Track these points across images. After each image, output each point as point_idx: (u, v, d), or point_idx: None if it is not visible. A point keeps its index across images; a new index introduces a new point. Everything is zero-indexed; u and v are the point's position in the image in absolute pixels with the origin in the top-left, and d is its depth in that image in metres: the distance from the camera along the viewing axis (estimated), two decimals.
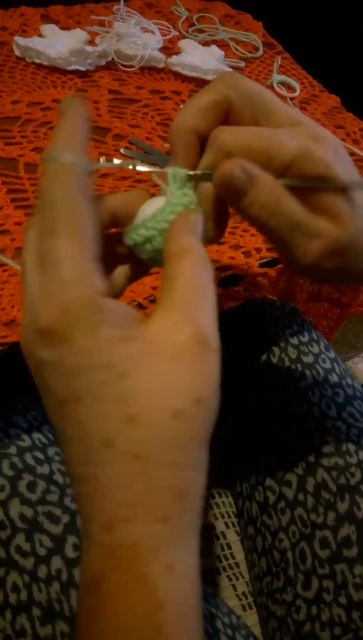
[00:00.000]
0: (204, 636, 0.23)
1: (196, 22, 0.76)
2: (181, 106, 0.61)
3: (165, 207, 0.25)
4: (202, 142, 0.27)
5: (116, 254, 0.28)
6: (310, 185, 0.26)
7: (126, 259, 0.29)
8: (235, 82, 0.27)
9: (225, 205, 0.28)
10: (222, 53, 0.69)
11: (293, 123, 0.27)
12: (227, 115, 0.27)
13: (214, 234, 0.28)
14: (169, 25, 0.72)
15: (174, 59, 0.65)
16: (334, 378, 0.47)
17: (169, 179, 0.26)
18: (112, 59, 0.65)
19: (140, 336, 0.21)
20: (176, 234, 0.24)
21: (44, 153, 0.23)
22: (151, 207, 0.26)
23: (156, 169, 0.27)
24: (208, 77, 0.66)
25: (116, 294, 0.29)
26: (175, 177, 0.26)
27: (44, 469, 0.39)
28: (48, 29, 0.64)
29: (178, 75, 0.66)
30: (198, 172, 0.26)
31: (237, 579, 0.47)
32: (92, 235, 0.22)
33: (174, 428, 0.20)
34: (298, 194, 0.26)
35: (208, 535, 0.49)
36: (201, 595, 0.22)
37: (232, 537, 0.49)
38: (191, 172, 0.26)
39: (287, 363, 0.48)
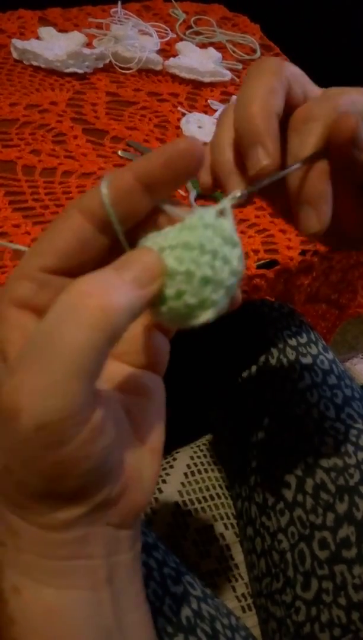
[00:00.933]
0: None
1: (193, 25, 0.76)
2: (184, 114, 0.61)
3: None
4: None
5: None
6: None
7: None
8: (283, 62, 0.25)
9: (331, 189, 0.24)
10: (219, 55, 0.69)
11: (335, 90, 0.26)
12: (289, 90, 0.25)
13: (327, 220, 0.24)
14: (167, 28, 0.72)
15: (171, 61, 0.66)
16: (333, 379, 0.47)
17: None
18: (110, 61, 0.65)
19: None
20: (70, 287, 0.18)
21: (104, 176, 0.20)
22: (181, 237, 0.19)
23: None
24: (206, 80, 0.66)
25: None
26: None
27: None
28: (46, 31, 0.65)
29: (175, 78, 0.66)
30: (309, 155, 0.23)
31: (236, 580, 0.47)
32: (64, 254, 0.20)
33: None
34: None
35: (207, 537, 0.49)
36: (83, 631, 0.21)
37: (231, 538, 0.49)
38: (305, 157, 0.23)
39: (285, 364, 0.48)
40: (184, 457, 0.53)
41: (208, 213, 0.20)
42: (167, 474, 0.52)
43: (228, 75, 0.67)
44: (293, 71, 0.26)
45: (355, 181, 0.26)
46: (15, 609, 0.21)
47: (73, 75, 0.63)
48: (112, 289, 0.18)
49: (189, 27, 0.75)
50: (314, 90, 0.27)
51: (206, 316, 0.19)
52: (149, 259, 0.19)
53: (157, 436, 0.23)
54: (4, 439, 0.18)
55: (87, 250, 0.21)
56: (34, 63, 0.62)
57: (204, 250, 0.19)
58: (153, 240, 0.20)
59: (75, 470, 0.19)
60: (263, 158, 0.23)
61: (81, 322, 0.17)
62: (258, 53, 0.74)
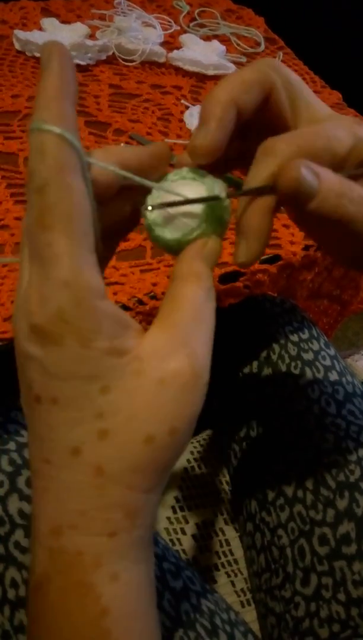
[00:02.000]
0: (156, 633, 0.23)
1: (197, 17, 0.75)
2: (188, 107, 0.61)
3: (202, 215, 0.23)
4: (238, 120, 0.25)
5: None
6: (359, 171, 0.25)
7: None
8: (277, 66, 0.25)
9: (271, 224, 0.25)
10: (223, 48, 0.68)
11: (330, 114, 0.26)
12: (266, 98, 0.26)
13: (256, 255, 0.25)
14: (171, 20, 0.72)
15: (175, 53, 0.65)
16: (334, 375, 0.47)
17: (213, 188, 0.24)
18: (113, 53, 0.64)
19: (132, 352, 0.20)
20: (190, 257, 0.23)
21: (29, 124, 0.19)
22: (183, 192, 0.23)
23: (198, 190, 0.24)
24: (209, 72, 0.65)
25: (104, 260, 0.26)
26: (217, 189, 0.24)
27: None
28: (48, 22, 0.64)
29: (178, 70, 0.66)
30: (254, 187, 0.24)
31: (236, 575, 0.47)
32: (90, 226, 0.20)
33: (142, 453, 0.20)
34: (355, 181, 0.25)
35: (206, 532, 0.49)
36: (152, 597, 0.23)
37: (231, 533, 0.49)
38: (250, 188, 0.24)
39: (287, 360, 0.48)
40: (184, 452, 0.53)
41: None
42: None
43: (232, 68, 0.66)
44: (288, 77, 0.26)
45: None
46: (111, 597, 0.21)
47: (76, 66, 0.62)
48: (211, 284, 0.23)
49: (193, 19, 0.75)
50: (313, 104, 0.26)
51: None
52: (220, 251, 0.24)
53: None
54: (182, 400, 0.21)
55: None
56: (37, 54, 0.61)
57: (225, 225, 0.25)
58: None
59: (196, 408, 0.22)
60: (198, 138, 0.23)
61: (211, 307, 0.23)
62: (262, 46, 0.73)
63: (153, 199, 0.24)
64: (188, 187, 0.24)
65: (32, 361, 0.20)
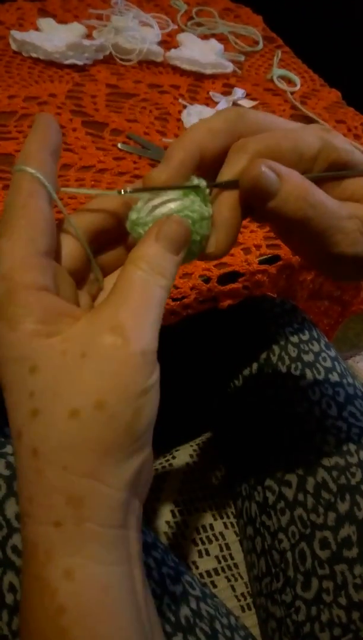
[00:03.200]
0: None
1: (194, 16, 0.75)
2: (185, 106, 0.61)
3: (181, 211, 0.25)
4: (200, 164, 0.26)
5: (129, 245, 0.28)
6: (335, 175, 0.26)
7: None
8: (243, 113, 0.26)
9: (240, 218, 0.26)
10: (221, 47, 0.68)
11: (301, 125, 0.27)
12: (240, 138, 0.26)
13: (225, 247, 0.26)
14: (168, 19, 0.71)
15: (172, 52, 0.65)
16: (335, 377, 0.47)
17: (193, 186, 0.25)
18: (110, 52, 0.64)
19: (61, 333, 0.21)
20: (145, 239, 0.24)
21: (14, 165, 0.23)
22: (166, 205, 0.25)
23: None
24: (207, 71, 0.65)
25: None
26: (200, 188, 0.25)
27: None
28: (45, 22, 0.64)
29: (176, 69, 0.65)
30: (223, 181, 0.25)
31: (236, 579, 0.47)
32: (41, 235, 0.22)
33: (69, 428, 0.20)
34: (322, 186, 0.26)
35: (206, 536, 0.48)
36: (131, 604, 0.22)
37: (231, 537, 0.49)
38: (220, 182, 0.25)
39: (287, 361, 0.48)
40: (184, 455, 0.53)
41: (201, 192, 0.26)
42: (166, 472, 0.51)
43: (230, 67, 0.66)
44: (256, 122, 0.26)
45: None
46: (66, 595, 0.20)
47: (73, 67, 0.62)
48: (166, 263, 0.23)
49: (191, 18, 0.74)
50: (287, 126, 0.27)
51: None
52: (185, 234, 0.24)
53: None
54: (105, 370, 0.20)
55: (52, 227, 0.24)
56: (33, 54, 0.61)
57: (208, 218, 0.26)
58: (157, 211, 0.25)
59: (151, 407, 0.21)
60: (156, 171, 0.25)
61: (156, 283, 0.22)
62: (261, 45, 0.73)
63: (136, 211, 0.25)
64: (167, 197, 0.25)
65: None
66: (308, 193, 0.24)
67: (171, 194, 0.25)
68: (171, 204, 0.25)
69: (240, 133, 0.26)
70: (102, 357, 0.21)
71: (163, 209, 0.25)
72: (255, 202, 0.25)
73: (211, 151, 0.25)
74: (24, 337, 0.21)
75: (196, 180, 0.25)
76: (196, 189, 0.25)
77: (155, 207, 0.25)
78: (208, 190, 0.26)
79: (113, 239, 0.27)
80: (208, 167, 0.26)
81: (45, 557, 0.21)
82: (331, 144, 0.26)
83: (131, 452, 0.21)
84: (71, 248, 0.25)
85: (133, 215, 0.25)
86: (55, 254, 0.24)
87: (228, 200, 0.25)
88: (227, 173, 0.25)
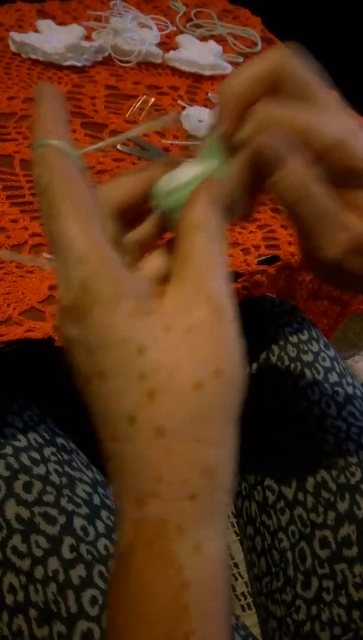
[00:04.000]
0: (230, 620, 0.22)
1: (193, 17, 0.75)
2: (184, 107, 0.61)
3: (199, 177, 0.25)
4: (246, 110, 0.26)
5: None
6: (343, 177, 0.25)
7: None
8: (286, 58, 0.26)
9: (258, 181, 0.26)
10: (220, 48, 0.68)
11: (336, 112, 0.26)
12: (273, 89, 0.26)
13: (243, 210, 0.27)
14: (167, 20, 0.71)
15: (171, 54, 0.65)
16: (334, 377, 0.47)
17: (206, 147, 0.26)
18: (109, 54, 0.64)
19: (157, 310, 0.21)
20: (194, 205, 0.23)
21: (32, 144, 0.22)
22: (185, 173, 0.25)
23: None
24: (206, 73, 0.65)
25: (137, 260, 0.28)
26: (212, 146, 0.25)
27: (40, 470, 0.38)
28: (44, 24, 0.64)
29: (175, 71, 0.65)
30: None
31: (236, 579, 0.47)
32: (94, 212, 0.22)
33: (195, 400, 0.20)
34: (329, 185, 0.25)
35: None
36: (228, 577, 0.22)
37: (231, 537, 0.49)
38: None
39: (287, 361, 0.48)
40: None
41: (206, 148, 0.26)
42: None
43: (228, 69, 0.66)
44: (297, 71, 0.26)
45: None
46: (192, 570, 0.20)
47: (72, 68, 0.62)
48: (221, 226, 0.23)
49: (190, 19, 0.74)
50: (323, 99, 0.26)
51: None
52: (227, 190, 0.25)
53: None
54: (214, 341, 0.21)
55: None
56: (32, 56, 0.61)
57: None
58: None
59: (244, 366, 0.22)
60: (219, 121, 0.25)
61: (220, 250, 0.23)
62: (259, 46, 0.73)
63: (161, 184, 0.25)
64: (187, 168, 0.26)
65: (73, 343, 0.21)
66: (304, 186, 0.24)
67: (190, 162, 0.25)
68: (194, 168, 0.25)
69: (281, 78, 0.26)
70: (207, 328, 0.21)
71: (188, 173, 0.25)
72: (259, 171, 0.25)
73: (251, 99, 0.26)
74: (125, 318, 0.20)
75: (213, 162, 0.25)
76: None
77: (177, 177, 0.25)
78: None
79: (136, 217, 0.27)
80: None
81: (176, 533, 0.20)
82: (347, 147, 0.25)
83: (238, 413, 0.22)
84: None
85: (160, 187, 0.25)
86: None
87: (242, 162, 0.25)
88: (242, 134, 0.25)
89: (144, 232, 0.27)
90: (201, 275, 0.22)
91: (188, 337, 0.21)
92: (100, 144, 0.26)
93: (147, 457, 0.21)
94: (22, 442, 0.39)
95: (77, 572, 0.35)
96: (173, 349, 0.21)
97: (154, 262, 0.27)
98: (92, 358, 0.21)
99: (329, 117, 0.26)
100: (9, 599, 0.34)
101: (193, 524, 0.20)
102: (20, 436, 0.40)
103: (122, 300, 0.20)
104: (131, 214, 0.26)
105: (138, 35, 0.64)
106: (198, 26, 0.74)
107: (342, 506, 0.41)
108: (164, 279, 0.26)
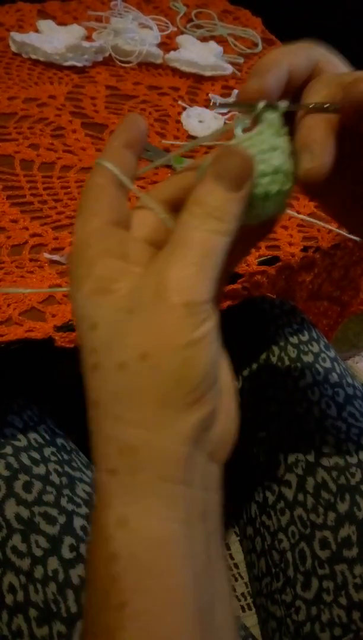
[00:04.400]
0: (186, 607, 0.21)
1: (194, 18, 0.75)
2: (185, 108, 0.61)
3: (245, 143, 0.23)
4: (287, 85, 0.25)
5: None
6: None
7: None
8: (313, 46, 0.26)
9: (334, 141, 0.24)
10: (221, 49, 0.68)
11: None
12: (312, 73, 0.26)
13: (322, 161, 0.23)
14: (167, 21, 0.71)
15: (172, 54, 0.65)
16: (334, 377, 0.47)
17: (271, 118, 0.24)
18: (110, 54, 0.64)
19: (118, 290, 0.22)
20: (204, 179, 0.22)
21: (96, 159, 0.25)
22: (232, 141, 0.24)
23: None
24: (206, 73, 0.65)
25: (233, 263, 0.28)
26: (272, 119, 0.23)
27: (40, 469, 0.38)
28: (45, 24, 0.64)
29: (176, 71, 0.65)
30: (317, 102, 0.23)
31: (236, 579, 0.47)
32: (107, 208, 0.24)
33: (119, 380, 0.21)
34: None
35: None
36: (180, 568, 0.21)
37: (231, 537, 0.49)
38: (314, 103, 0.23)
39: (287, 362, 0.48)
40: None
41: (273, 121, 0.24)
42: None
43: (229, 69, 0.66)
44: (327, 53, 0.26)
45: None
46: (120, 543, 0.21)
47: (72, 68, 0.62)
48: (224, 204, 0.22)
49: (190, 20, 0.75)
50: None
51: (284, 206, 0.25)
52: (245, 164, 0.23)
53: (231, 370, 0.26)
54: (148, 324, 0.21)
55: (118, 204, 0.25)
56: (33, 56, 0.61)
57: (282, 150, 0.24)
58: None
59: (202, 360, 0.21)
60: (248, 83, 0.24)
61: (210, 229, 0.22)
62: (260, 47, 0.73)
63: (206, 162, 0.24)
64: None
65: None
66: None
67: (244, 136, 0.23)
68: (235, 139, 0.23)
69: (318, 59, 0.25)
70: (146, 311, 0.21)
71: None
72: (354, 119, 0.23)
73: (298, 71, 0.25)
74: (86, 296, 0.22)
75: (263, 106, 0.23)
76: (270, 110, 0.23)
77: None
78: (281, 124, 0.24)
79: None
80: (292, 89, 0.25)
81: (103, 504, 0.21)
82: None
83: (186, 405, 0.21)
84: (151, 221, 0.25)
85: (200, 169, 0.23)
86: (125, 227, 0.25)
87: (321, 118, 0.24)
88: (317, 95, 0.24)
89: None
90: (167, 257, 0.21)
91: (127, 318, 0.21)
92: (155, 163, 0.27)
93: (91, 426, 0.22)
94: (22, 442, 0.39)
95: (77, 572, 0.35)
96: (114, 328, 0.21)
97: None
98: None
99: None
100: (9, 599, 0.34)
101: (115, 498, 0.21)
102: (20, 436, 0.40)
103: (86, 281, 0.22)
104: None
105: (138, 35, 0.65)
106: (199, 27, 0.74)
107: (342, 507, 0.41)
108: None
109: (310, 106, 0.24)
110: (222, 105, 0.25)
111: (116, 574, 0.20)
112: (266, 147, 0.23)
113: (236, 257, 0.27)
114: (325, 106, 0.23)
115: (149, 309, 0.21)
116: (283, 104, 0.24)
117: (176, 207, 0.25)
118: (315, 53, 0.26)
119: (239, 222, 0.23)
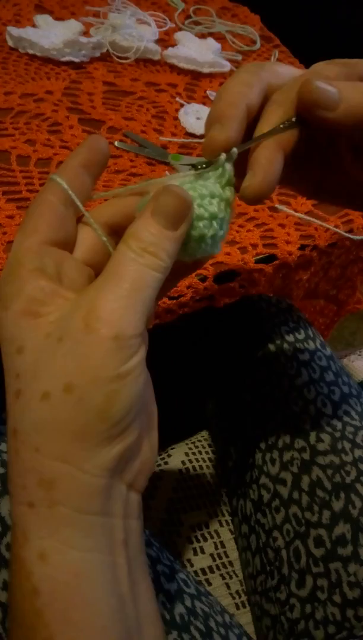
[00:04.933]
0: (113, 634, 0.21)
1: (192, 14, 0.75)
2: (182, 104, 0.61)
3: (189, 189, 0.24)
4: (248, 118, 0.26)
5: None
6: None
7: None
8: (261, 66, 0.26)
9: (281, 161, 0.25)
10: (219, 46, 0.68)
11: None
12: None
13: (261, 186, 0.24)
14: (165, 17, 0.71)
15: (170, 51, 0.65)
16: (330, 376, 0.47)
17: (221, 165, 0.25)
18: (107, 50, 0.64)
19: (47, 315, 0.22)
20: (142, 214, 0.23)
21: (50, 174, 0.25)
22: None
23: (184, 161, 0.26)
24: (204, 70, 0.65)
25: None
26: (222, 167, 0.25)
27: None
28: (42, 19, 0.63)
29: (173, 68, 0.65)
30: (271, 129, 0.25)
31: (231, 577, 0.47)
32: (48, 226, 0.23)
33: (40, 410, 0.20)
34: None
35: (201, 534, 0.48)
36: (111, 595, 0.21)
37: (226, 535, 0.49)
38: (269, 130, 0.24)
39: (283, 360, 0.48)
40: (179, 453, 0.53)
41: (222, 173, 0.25)
42: (162, 470, 0.51)
43: (227, 66, 0.66)
44: (275, 69, 0.26)
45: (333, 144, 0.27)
46: (40, 578, 0.20)
47: (69, 64, 0.61)
48: (160, 241, 0.22)
49: (188, 16, 0.74)
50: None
51: (218, 248, 0.26)
52: (183, 205, 0.23)
53: (155, 405, 0.26)
54: (76, 354, 0.20)
55: (64, 223, 0.25)
56: (30, 51, 0.61)
57: (220, 197, 0.25)
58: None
59: (127, 394, 0.21)
60: (213, 131, 0.25)
61: (144, 264, 0.22)
62: (258, 44, 0.73)
63: (145, 199, 0.25)
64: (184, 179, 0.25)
65: None
66: None
67: (190, 177, 0.24)
68: (179, 180, 0.24)
69: (268, 81, 0.26)
70: (74, 341, 0.20)
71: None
72: (314, 117, 0.24)
73: (254, 104, 0.25)
74: (14, 317, 0.21)
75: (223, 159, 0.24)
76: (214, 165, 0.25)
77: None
78: (231, 173, 0.25)
79: None
80: (251, 121, 0.25)
81: (22, 538, 0.21)
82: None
83: (108, 438, 0.21)
84: (91, 242, 0.26)
85: (141, 202, 0.24)
86: (68, 246, 0.25)
87: (267, 144, 0.25)
88: (268, 122, 0.25)
89: None
90: (100, 287, 0.21)
91: (56, 347, 0.21)
92: (109, 193, 0.26)
93: (8, 456, 0.21)
94: None
95: None
96: (41, 355, 0.21)
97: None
98: None
99: (323, 64, 0.26)
100: (3, 596, 0.34)
101: (34, 532, 0.21)
102: None
103: (16, 299, 0.21)
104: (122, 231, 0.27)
105: (136, 31, 0.64)
106: (197, 23, 0.73)
107: (337, 505, 0.41)
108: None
109: (265, 136, 0.25)
110: (185, 165, 0.26)
111: (39, 608, 0.20)
112: (206, 193, 0.24)
113: (163, 288, 0.26)
114: (281, 126, 0.24)
115: (78, 339, 0.20)
116: (235, 151, 0.25)
117: (115, 231, 0.26)
118: (265, 75, 0.26)
119: (173, 260, 0.23)
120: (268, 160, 0.24)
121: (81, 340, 0.20)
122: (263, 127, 0.25)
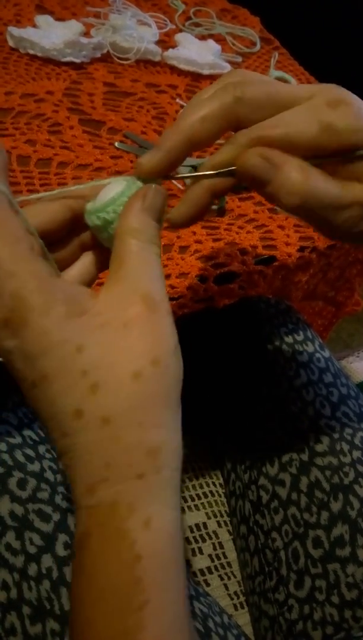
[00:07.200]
0: (184, 590, 0.23)
1: (192, 16, 0.75)
2: (183, 106, 0.61)
3: (125, 191, 0.26)
4: (192, 148, 0.27)
5: (82, 241, 0.30)
6: (338, 159, 0.26)
7: (90, 246, 0.30)
8: (240, 97, 0.26)
9: (207, 200, 0.28)
10: (219, 47, 0.68)
11: (308, 98, 0.26)
12: (238, 123, 0.27)
13: (182, 218, 0.29)
14: (166, 18, 0.71)
15: (170, 52, 0.65)
16: (329, 377, 0.47)
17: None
18: (108, 51, 0.64)
19: (90, 309, 0.23)
20: (129, 211, 0.25)
21: None
22: (113, 190, 0.27)
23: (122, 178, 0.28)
24: (205, 72, 0.65)
25: (88, 283, 0.30)
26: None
27: (34, 467, 0.38)
28: (42, 19, 0.63)
29: (174, 69, 0.65)
30: (200, 172, 0.28)
31: (229, 578, 0.47)
32: (25, 232, 0.23)
33: (135, 389, 0.22)
34: (328, 167, 0.26)
35: (200, 535, 0.48)
36: (181, 548, 0.23)
37: (224, 536, 0.49)
38: (213, 172, 0.27)
39: (281, 361, 0.48)
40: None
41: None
42: None
43: (227, 68, 0.66)
44: (256, 100, 0.26)
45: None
46: (143, 544, 0.22)
47: (70, 64, 0.61)
48: (156, 233, 0.26)
49: (189, 18, 0.74)
50: (292, 99, 0.26)
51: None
52: (165, 203, 0.27)
53: None
54: (150, 333, 0.23)
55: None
56: (30, 52, 0.61)
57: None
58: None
59: (181, 356, 0.25)
60: (145, 158, 0.27)
61: (154, 252, 0.25)
62: (258, 46, 0.73)
63: (92, 203, 0.27)
64: (116, 185, 0.27)
65: (13, 354, 0.22)
66: (305, 182, 0.25)
67: (122, 181, 0.27)
68: (115, 188, 0.27)
69: (237, 116, 0.26)
70: (143, 321, 0.23)
71: (108, 194, 0.27)
72: (255, 188, 0.27)
73: (201, 137, 0.27)
74: (58, 322, 0.22)
75: (134, 186, 0.27)
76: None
77: (105, 194, 0.27)
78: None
79: (63, 237, 0.28)
80: (203, 147, 0.27)
81: (127, 511, 0.22)
82: (331, 127, 0.25)
83: (179, 399, 0.24)
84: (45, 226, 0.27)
85: (89, 206, 0.27)
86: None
87: (202, 183, 0.28)
88: (215, 160, 0.27)
89: (65, 256, 0.29)
90: (136, 275, 0.24)
91: (125, 332, 0.22)
92: (40, 195, 0.27)
93: (95, 446, 0.22)
94: (16, 439, 0.39)
95: (71, 570, 0.35)
96: (111, 344, 0.22)
97: (76, 269, 0.29)
98: (34, 364, 0.22)
99: (304, 107, 0.26)
100: (2, 596, 0.34)
101: (142, 501, 0.22)
102: (14, 433, 0.40)
103: (53, 305, 0.22)
104: (52, 238, 0.27)
105: (136, 32, 0.64)
106: (197, 25, 0.73)
107: (336, 506, 0.41)
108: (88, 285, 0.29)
109: (203, 176, 0.27)
110: (185, 166, 0.28)
111: (139, 575, 0.21)
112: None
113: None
114: (222, 171, 0.27)
115: (146, 318, 0.23)
116: (154, 185, 0.27)
117: (46, 233, 0.27)
118: (239, 108, 0.26)
119: None
120: (197, 197, 0.28)
121: (149, 319, 0.23)
122: (212, 160, 0.27)
